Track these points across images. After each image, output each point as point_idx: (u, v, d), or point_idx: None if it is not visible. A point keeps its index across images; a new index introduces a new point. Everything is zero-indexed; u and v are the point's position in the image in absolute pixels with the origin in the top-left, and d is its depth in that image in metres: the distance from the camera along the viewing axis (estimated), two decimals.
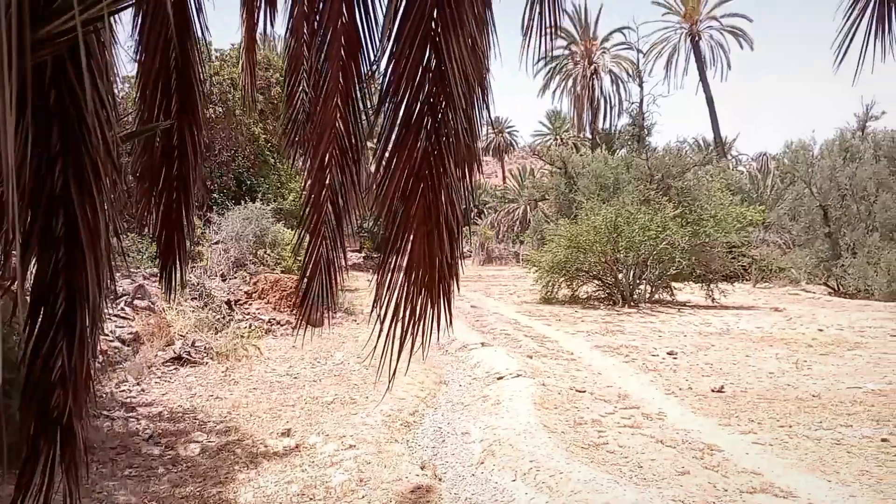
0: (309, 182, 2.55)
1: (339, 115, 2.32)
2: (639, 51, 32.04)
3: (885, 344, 10.12)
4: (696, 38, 34.50)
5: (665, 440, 5.31)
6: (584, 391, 7.02)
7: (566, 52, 37.38)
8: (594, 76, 36.27)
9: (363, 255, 29.98)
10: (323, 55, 2.25)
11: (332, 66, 2.20)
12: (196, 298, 10.53)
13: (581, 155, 28.16)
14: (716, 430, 5.60)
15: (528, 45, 2.79)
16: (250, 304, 11.33)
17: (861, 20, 2.96)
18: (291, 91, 2.95)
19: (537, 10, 2.81)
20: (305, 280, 2.72)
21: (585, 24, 36.92)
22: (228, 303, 10.94)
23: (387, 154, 2.09)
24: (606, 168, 24.58)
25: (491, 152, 78.58)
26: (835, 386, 7.19)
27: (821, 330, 11.42)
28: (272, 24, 3.14)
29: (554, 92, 38.40)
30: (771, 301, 16.57)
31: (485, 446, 5.28)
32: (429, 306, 2.25)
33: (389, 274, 2.20)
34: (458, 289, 2.38)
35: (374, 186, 2.13)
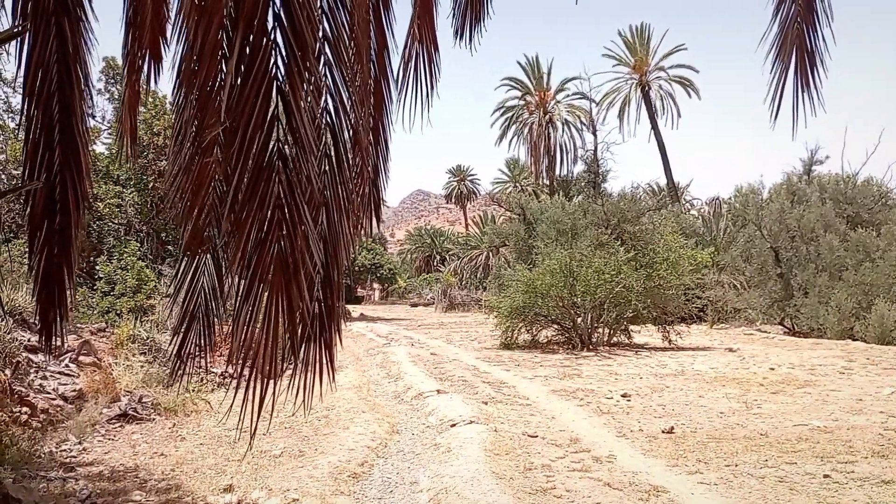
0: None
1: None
2: (591, 100, 32.95)
3: (833, 381, 10.32)
4: (646, 88, 35.67)
5: (613, 483, 5.30)
6: (537, 436, 7.00)
7: (521, 101, 38.32)
8: (549, 125, 37.15)
9: None
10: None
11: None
12: (145, 353, 10.30)
13: (539, 201, 28.63)
14: (664, 472, 5.61)
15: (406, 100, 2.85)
16: (202, 358, 11.10)
17: (786, 76, 3.10)
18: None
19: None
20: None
21: (539, 75, 37.98)
22: (179, 355, 10.70)
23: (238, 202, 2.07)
24: (564, 214, 24.99)
25: (453, 199, 79.55)
26: (782, 424, 7.29)
27: (773, 369, 11.61)
28: (156, 81, 3.15)
29: (511, 140, 39.29)
30: (726, 342, 16.84)
31: (431, 495, 5.21)
32: (301, 357, 2.21)
33: (246, 327, 2.16)
34: (340, 342, 2.35)
35: (226, 235, 2.12)
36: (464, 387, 10.18)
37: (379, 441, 7.13)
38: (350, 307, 34.01)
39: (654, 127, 35.77)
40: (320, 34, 2.24)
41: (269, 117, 2.00)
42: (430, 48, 3.13)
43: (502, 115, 38.78)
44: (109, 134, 18.90)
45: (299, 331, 2.17)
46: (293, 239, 2.03)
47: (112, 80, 19.33)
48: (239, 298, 2.12)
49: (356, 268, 42.23)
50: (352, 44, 2.28)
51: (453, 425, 7.51)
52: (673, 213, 26.27)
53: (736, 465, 5.69)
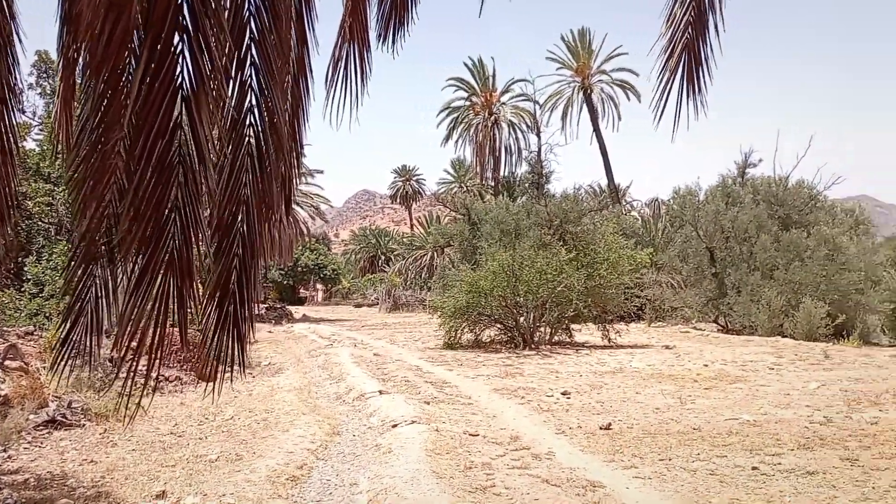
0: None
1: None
2: (536, 102, 33.39)
3: (763, 377, 10.70)
4: (588, 91, 36.29)
5: (551, 479, 5.37)
6: (478, 435, 7.04)
7: (467, 102, 38.51)
8: (495, 126, 37.44)
9: (266, 305, 29.24)
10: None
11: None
12: (76, 357, 9.92)
13: (484, 202, 28.83)
14: (601, 467, 5.72)
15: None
16: (136, 361, 10.77)
17: (673, 81, 3.19)
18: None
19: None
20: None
21: (484, 77, 38.25)
22: (112, 360, 10.37)
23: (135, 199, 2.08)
24: (508, 214, 25.23)
25: (399, 199, 79.35)
26: (714, 419, 7.52)
27: (706, 366, 11.96)
28: None
29: (457, 141, 39.42)
30: (663, 339, 17.28)
31: (370, 496, 5.18)
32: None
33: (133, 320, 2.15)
34: (252, 335, 2.34)
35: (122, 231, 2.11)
36: (406, 387, 10.15)
37: (319, 443, 7.05)
38: (292, 308, 33.54)
39: (596, 129, 36.44)
40: (247, 35, 2.23)
41: (171, 125, 2.00)
42: (362, 48, 3.13)
43: (448, 115, 38.93)
44: (40, 130, 18.20)
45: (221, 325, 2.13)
46: (187, 238, 2.03)
47: (45, 75, 18.66)
48: (128, 293, 2.10)
49: (299, 268, 41.69)
50: (275, 41, 2.27)
51: (395, 426, 7.48)
52: (614, 214, 26.81)
53: (670, 460, 5.84)
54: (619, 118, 37.52)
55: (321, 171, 31.71)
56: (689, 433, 6.84)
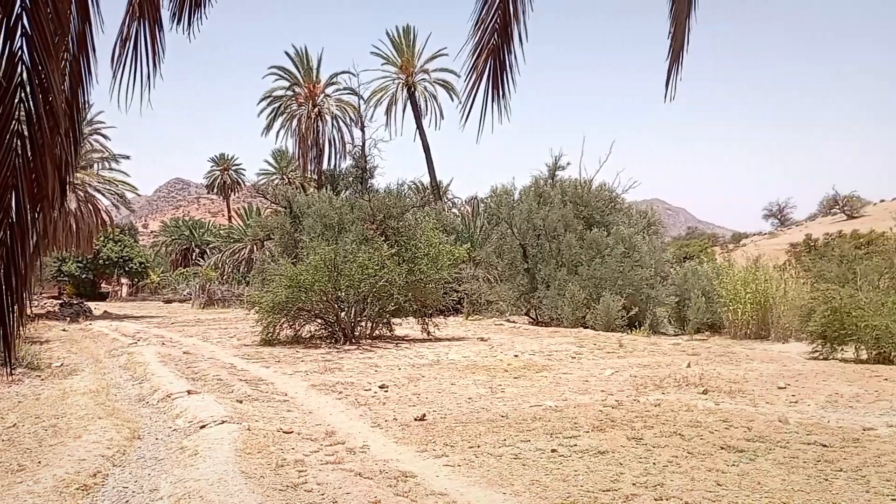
0: None
1: None
2: (360, 97, 33.33)
3: (566, 365, 11.51)
4: (412, 89, 36.87)
5: (364, 472, 5.38)
6: (292, 432, 6.89)
7: (290, 92, 37.52)
8: (318, 118, 36.81)
9: (61, 301, 26.59)
10: None
11: None
12: None
13: (307, 195, 28.28)
14: (413, 458, 5.83)
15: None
16: None
17: (479, 84, 3.33)
18: None
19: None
20: None
21: (308, 67, 37.44)
22: None
23: None
24: (331, 208, 24.95)
25: (216, 189, 75.34)
26: (521, 406, 7.96)
27: (516, 356, 12.63)
28: None
29: (279, 131, 38.26)
30: (479, 332, 17.99)
31: (173, 501, 4.88)
32: None
33: None
34: (20, 332, 2.14)
35: None
36: (218, 386, 9.71)
37: (116, 448, 6.52)
38: (92, 304, 30.76)
39: (419, 126, 37.13)
40: (17, 3, 2.00)
41: None
42: (154, 27, 2.92)
43: (270, 104, 37.65)
44: None
45: None
46: None
47: None
48: None
49: (100, 261, 38.34)
50: (51, 13, 2.05)
51: (203, 426, 7.12)
52: (435, 210, 27.50)
53: (478, 447, 6.09)
54: (442, 117, 38.55)
55: (127, 157, 29.26)
56: (498, 420, 7.18)
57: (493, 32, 3.24)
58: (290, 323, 15.79)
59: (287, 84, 37.38)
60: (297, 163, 38.83)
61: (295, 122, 37.20)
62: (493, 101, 3.27)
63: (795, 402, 8.10)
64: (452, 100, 38.49)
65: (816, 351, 13.29)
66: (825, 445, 5.96)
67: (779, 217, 76.54)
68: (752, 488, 4.84)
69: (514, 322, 21.68)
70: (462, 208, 37.17)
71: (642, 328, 19.23)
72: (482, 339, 15.83)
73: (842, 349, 12.89)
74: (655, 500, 4.64)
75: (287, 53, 37.63)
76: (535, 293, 22.24)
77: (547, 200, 23.92)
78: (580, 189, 24.02)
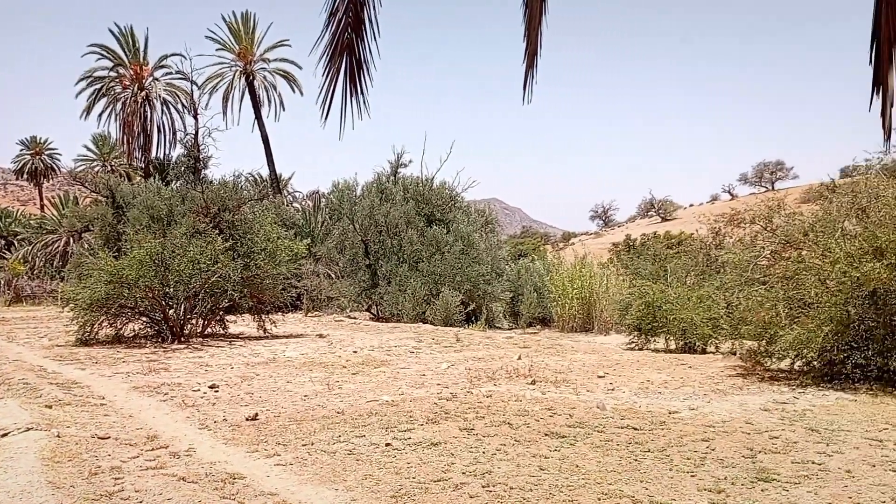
0: None
1: None
2: (193, 82, 31.47)
3: (404, 360, 11.63)
4: (251, 78, 35.50)
5: (189, 476, 5.11)
6: (109, 437, 6.39)
7: (113, 73, 34.72)
8: (146, 102, 34.39)
9: None
10: None
11: None
12: None
13: (133, 184, 26.39)
14: (243, 458, 5.62)
15: None
16: None
17: (337, 80, 3.28)
18: None
19: None
20: None
21: (135, 48, 34.78)
22: None
23: None
24: (160, 199, 23.44)
25: (26, 175, 67.97)
26: (357, 402, 7.93)
27: (356, 352, 12.59)
28: None
29: (101, 115, 35.22)
30: (319, 328, 17.74)
31: None
32: None
33: None
34: None
35: None
36: (24, 390, 8.81)
37: None
38: None
39: (258, 117, 35.82)
40: None
41: None
42: None
43: (90, 85, 34.53)
44: None
45: None
46: None
47: None
48: None
49: None
50: None
51: (5, 435, 6.42)
52: (274, 204, 26.69)
53: (312, 444, 5.99)
54: (283, 108, 37.48)
55: None
56: (333, 417, 7.11)
57: (346, 26, 3.18)
58: (111, 321, 14.66)
59: (110, 64, 34.53)
60: (122, 149, 36.04)
61: (119, 105, 34.47)
62: (351, 97, 3.23)
63: (612, 390, 8.74)
64: (294, 91, 37.59)
65: (633, 342, 14.45)
66: (636, 429, 6.48)
67: (603, 218, 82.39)
68: (570, 471, 5.15)
69: (355, 318, 21.60)
70: (303, 202, 36.42)
71: (479, 323, 19.90)
72: (321, 336, 15.61)
73: (654, 340, 14.10)
74: (483, 486, 4.80)
75: (111, 31, 34.76)
76: (376, 289, 22.29)
77: (389, 197, 24.04)
78: (422, 186, 24.36)
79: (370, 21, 3.30)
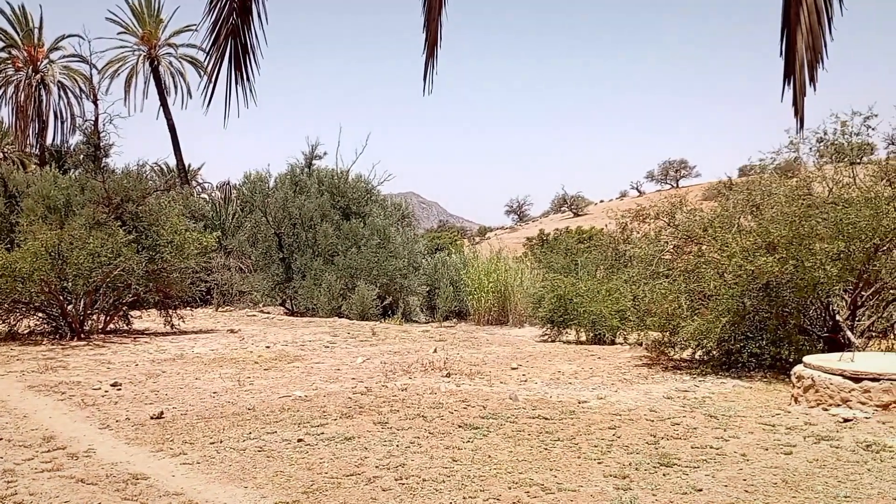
0: None
1: None
2: (93, 66, 29.75)
3: (319, 355, 11.49)
4: (156, 63, 33.92)
5: (88, 478, 4.88)
6: (1, 438, 6.04)
7: (4, 54, 32.49)
8: (41, 86, 32.34)
9: None
10: None
11: None
12: None
13: (27, 172, 24.84)
14: (147, 458, 5.41)
15: None
16: None
17: (221, 65, 3.19)
18: None
19: None
20: None
21: (28, 28, 32.59)
22: None
23: None
24: (56, 189, 22.08)
25: None
26: (269, 398, 7.77)
27: (268, 347, 12.33)
28: None
29: None
30: (230, 324, 17.26)
31: None
32: None
33: None
34: None
35: None
36: None
37: None
38: None
39: (164, 104, 34.25)
40: None
41: None
42: None
43: None
44: None
45: None
46: None
47: None
48: None
49: None
50: None
51: None
52: (182, 195, 25.68)
53: (221, 442, 5.83)
54: (191, 96, 35.93)
55: None
56: (244, 414, 6.94)
57: (231, 11, 3.09)
58: (4, 317, 13.80)
59: (1, 45, 32.27)
60: (15, 135, 33.79)
61: (12, 89, 32.28)
62: (237, 83, 3.13)
63: (525, 381, 8.92)
64: (201, 77, 36.27)
65: (546, 334, 14.80)
66: (547, 418, 6.65)
67: (518, 213, 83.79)
68: (483, 461, 5.22)
69: (268, 313, 21.14)
70: (213, 194, 35.22)
71: (395, 316, 19.86)
72: (232, 331, 15.20)
73: (566, 332, 14.49)
74: (396, 479, 4.81)
75: (1, 10, 32.44)
76: (290, 283, 21.88)
77: (303, 189, 23.64)
78: (337, 179, 24.08)
79: (257, 5, 3.22)
